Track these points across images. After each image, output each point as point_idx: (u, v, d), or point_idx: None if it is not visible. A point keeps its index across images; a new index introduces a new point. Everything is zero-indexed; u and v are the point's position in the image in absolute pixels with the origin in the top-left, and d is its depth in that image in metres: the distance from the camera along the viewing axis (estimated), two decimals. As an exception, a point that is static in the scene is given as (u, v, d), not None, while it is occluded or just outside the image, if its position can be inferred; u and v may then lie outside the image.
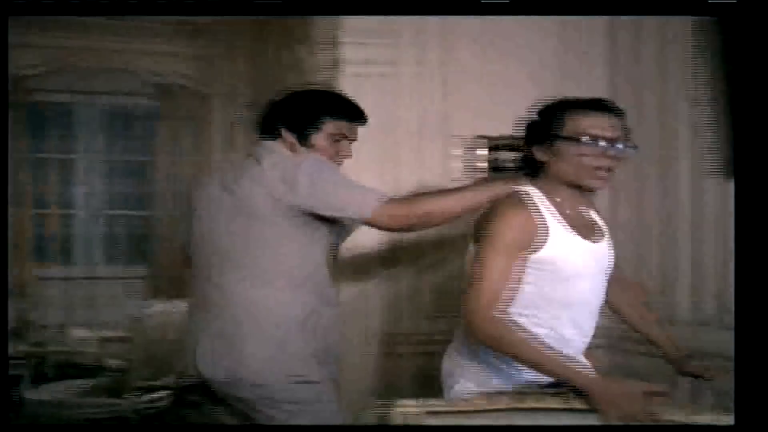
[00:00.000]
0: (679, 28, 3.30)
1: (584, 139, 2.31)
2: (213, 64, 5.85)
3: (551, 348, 2.25)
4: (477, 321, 2.29)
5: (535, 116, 2.44)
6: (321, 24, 3.34)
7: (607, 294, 2.51)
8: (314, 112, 2.78)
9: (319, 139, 2.77)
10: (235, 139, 5.66)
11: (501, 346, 2.28)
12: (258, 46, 5.25)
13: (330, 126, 2.77)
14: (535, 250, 2.34)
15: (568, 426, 2.19)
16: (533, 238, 2.33)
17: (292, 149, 2.76)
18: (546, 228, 2.35)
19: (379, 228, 2.66)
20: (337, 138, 2.78)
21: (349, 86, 3.15)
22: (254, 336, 2.65)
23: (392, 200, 2.60)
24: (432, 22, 3.27)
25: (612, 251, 2.49)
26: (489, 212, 2.40)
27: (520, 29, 3.35)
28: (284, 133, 2.77)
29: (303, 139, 2.76)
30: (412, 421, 2.18)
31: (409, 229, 2.70)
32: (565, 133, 2.35)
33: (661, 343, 2.69)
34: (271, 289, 2.67)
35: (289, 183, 2.61)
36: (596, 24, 3.48)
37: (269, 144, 2.77)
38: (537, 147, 2.41)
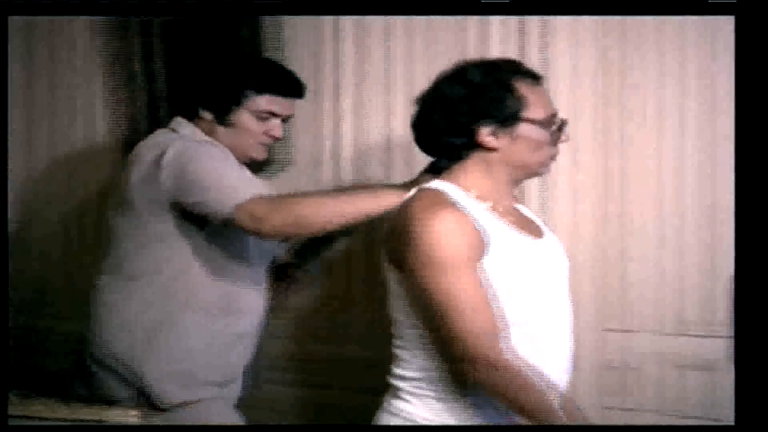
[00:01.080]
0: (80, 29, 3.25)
1: (561, 120, 1.92)
2: None
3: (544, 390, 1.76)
4: (482, 371, 1.73)
5: (464, 86, 1.88)
6: None
7: None
8: (235, 85, 2.38)
9: (241, 116, 2.38)
10: None
11: (506, 395, 1.75)
12: None
13: (256, 102, 2.38)
14: (479, 259, 1.79)
15: (566, 426, 1.82)
16: (478, 245, 1.79)
17: (209, 130, 2.40)
18: (484, 231, 1.81)
19: (244, 230, 2.21)
20: (265, 116, 2.39)
21: None
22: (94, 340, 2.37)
23: (259, 198, 2.18)
24: None
25: (561, 249, 2.05)
26: (402, 226, 1.83)
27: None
28: (201, 111, 2.40)
29: (220, 117, 2.39)
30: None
31: (276, 235, 2.25)
32: (533, 114, 1.88)
33: None
34: (124, 293, 2.36)
35: (154, 168, 2.26)
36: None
37: (176, 123, 2.42)
38: (486, 128, 1.87)
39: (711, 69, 2.45)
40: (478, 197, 1.89)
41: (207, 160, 2.29)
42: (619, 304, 2.59)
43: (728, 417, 2.32)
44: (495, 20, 2.57)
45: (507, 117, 1.86)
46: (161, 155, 2.29)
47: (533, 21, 2.56)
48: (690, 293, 2.51)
